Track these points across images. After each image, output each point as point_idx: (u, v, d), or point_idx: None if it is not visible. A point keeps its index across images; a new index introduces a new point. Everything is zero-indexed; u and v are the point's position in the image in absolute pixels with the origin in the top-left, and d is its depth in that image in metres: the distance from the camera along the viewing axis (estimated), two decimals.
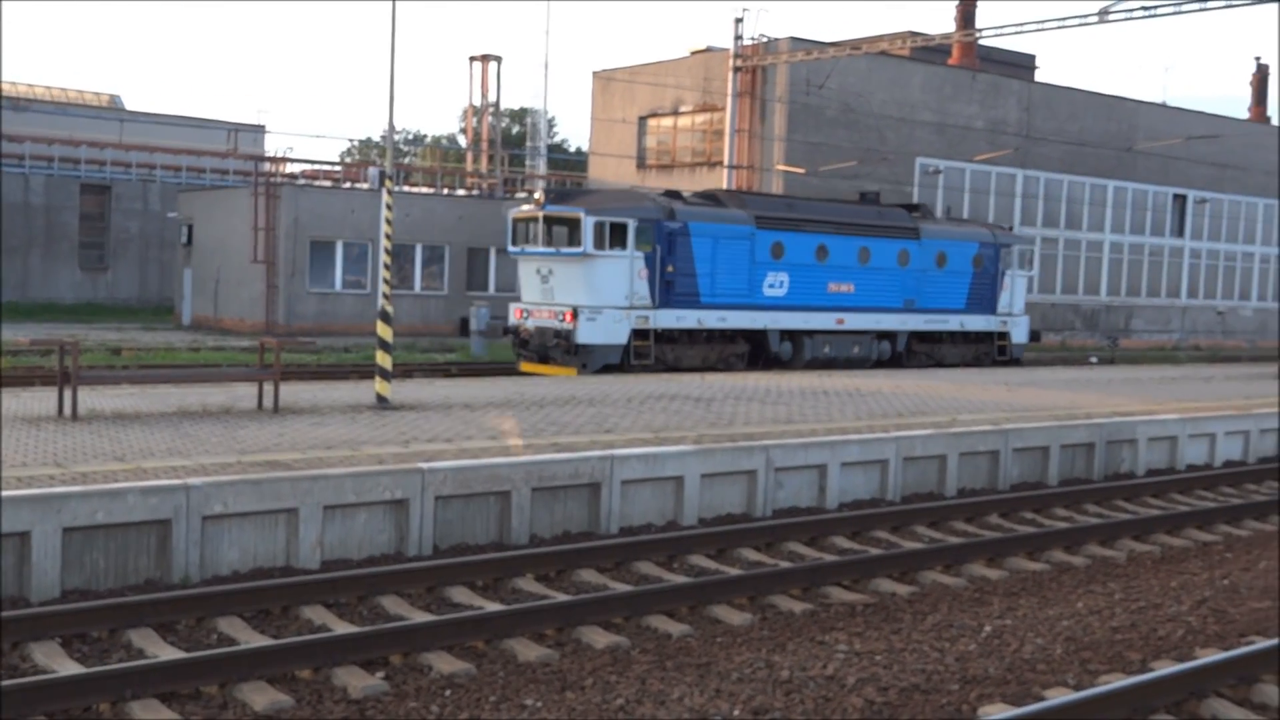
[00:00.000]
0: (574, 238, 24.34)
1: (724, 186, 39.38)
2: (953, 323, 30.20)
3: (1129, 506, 14.97)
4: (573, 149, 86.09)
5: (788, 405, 17.77)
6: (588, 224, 24.03)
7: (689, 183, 42.84)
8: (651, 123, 44.66)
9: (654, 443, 13.25)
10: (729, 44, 39.69)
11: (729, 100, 39.41)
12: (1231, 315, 53.82)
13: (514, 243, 25.63)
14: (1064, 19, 32.02)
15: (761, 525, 12.24)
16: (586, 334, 24.06)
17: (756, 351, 27.06)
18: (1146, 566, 11.91)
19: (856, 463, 14.16)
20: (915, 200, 41.23)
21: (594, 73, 47.00)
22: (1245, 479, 17.01)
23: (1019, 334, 31.73)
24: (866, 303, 28.47)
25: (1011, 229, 36.95)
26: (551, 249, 24.67)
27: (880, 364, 28.77)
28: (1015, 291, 31.46)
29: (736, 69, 39.22)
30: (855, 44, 40.52)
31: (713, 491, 12.99)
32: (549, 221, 24.74)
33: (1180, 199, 51.12)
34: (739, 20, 39.11)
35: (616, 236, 24.33)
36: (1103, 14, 31.00)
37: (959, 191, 43.30)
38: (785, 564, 11.16)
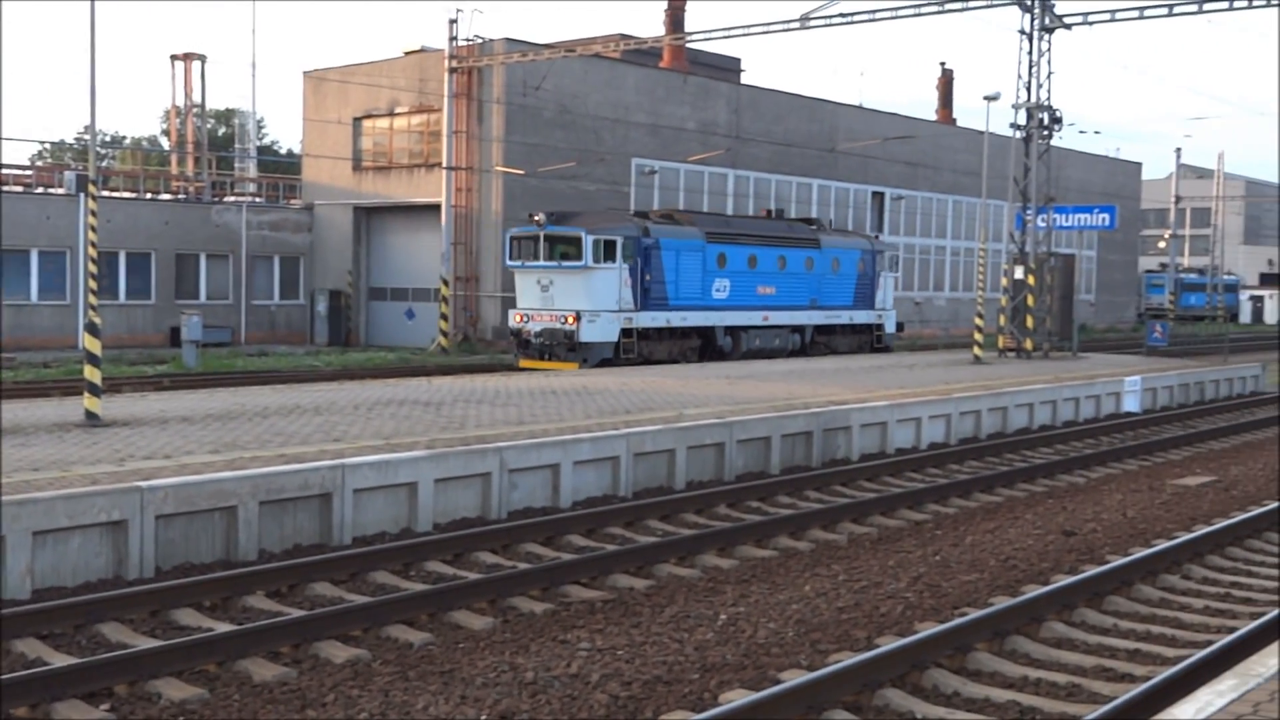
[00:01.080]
0: (574, 253, 28.06)
1: (444, 187, 39.09)
2: (844, 317, 35.09)
3: (847, 491, 15.65)
4: (284, 150, 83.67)
5: (518, 406, 17.78)
6: (588, 241, 27.86)
7: (407, 186, 42.33)
8: (367, 124, 43.87)
9: (385, 449, 13.03)
10: (444, 45, 39.39)
11: (445, 101, 39.13)
12: (927, 305, 57.00)
13: (512, 258, 29.22)
14: (768, 24, 33.18)
15: (498, 527, 12.21)
16: (588, 334, 27.90)
17: (706, 346, 31.03)
18: (866, 547, 12.48)
19: (589, 461, 14.30)
20: (632, 203, 42.05)
21: (305, 73, 45.82)
22: (949, 459, 18.05)
23: (890, 325, 36.72)
24: (784, 302, 33.09)
25: (879, 237, 41.95)
26: (553, 262, 28.24)
27: (793, 353, 33.13)
28: (886, 290, 36.60)
29: (452, 70, 38.96)
30: (569, 46, 40.86)
31: (447, 496, 12.86)
32: (550, 240, 28.33)
33: (879, 196, 53.78)
34: (453, 21, 38.87)
35: (609, 251, 28.19)
36: (803, 19, 32.29)
37: (674, 191, 44.32)
38: (524, 565, 11.16)
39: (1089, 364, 29.98)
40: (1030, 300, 31.77)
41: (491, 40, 39.72)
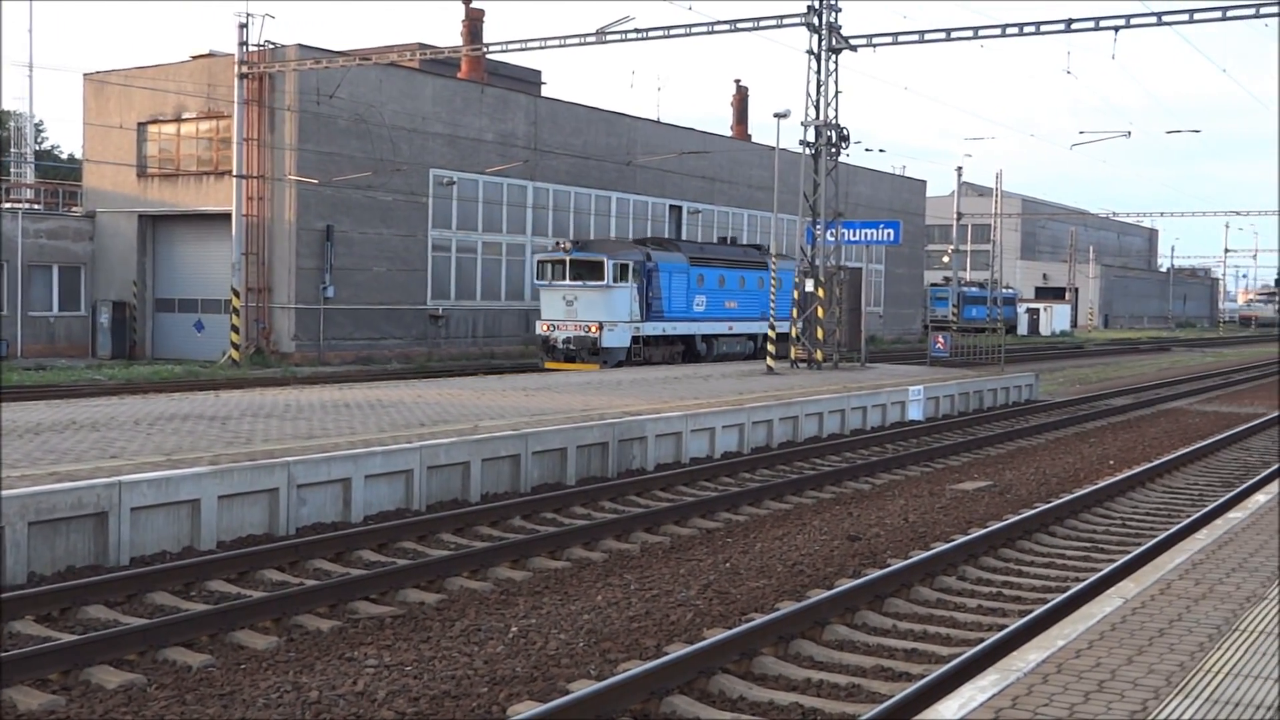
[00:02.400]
0: (596, 274, 34.03)
1: (234, 195, 37.98)
2: (785, 327, 37.91)
3: (641, 500, 15.79)
4: (65, 156, 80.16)
5: (309, 420, 17.39)
6: (609, 265, 33.98)
7: (196, 194, 41.01)
8: (152, 129, 42.32)
9: (166, 466, 12.56)
10: (234, 49, 38.30)
11: (235, 108, 38.04)
12: None
13: (539, 278, 35.57)
14: (565, 38, 33.30)
15: (285, 544, 11.90)
16: (608, 340, 34.01)
17: (688, 350, 37.26)
18: (658, 556, 12.60)
19: (381, 474, 14.08)
20: (430, 213, 41.66)
21: (85, 75, 43.96)
22: (741, 468, 18.40)
23: None
24: (743, 314, 39.53)
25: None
26: (579, 282, 34.19)
27: (748, 357, 39.03)
28: None
29: (242, 75, 37.90)
30: (365, 54, 40.21)
31: (232, 513, 12.48)
32: (575, 264, 34.40)
33: (676, 209, 54.49)
34: (243, 25, 37.81)
35: (623, 273, 34.33)
36: (599, 34, 32.53)
37: (473, 203, 44.07)
38: (311, 582, 10.90)
39: (876, 374, 30.96)
40: (820, 312, 32.63)
41: (284, 46, 38.82)
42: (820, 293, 32.59)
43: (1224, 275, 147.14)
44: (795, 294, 32.96)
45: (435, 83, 43.16)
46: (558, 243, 35.59)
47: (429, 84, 42.81)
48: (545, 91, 52.90)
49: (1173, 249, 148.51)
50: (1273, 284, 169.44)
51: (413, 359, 40.86)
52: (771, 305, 34.31)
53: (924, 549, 13.03)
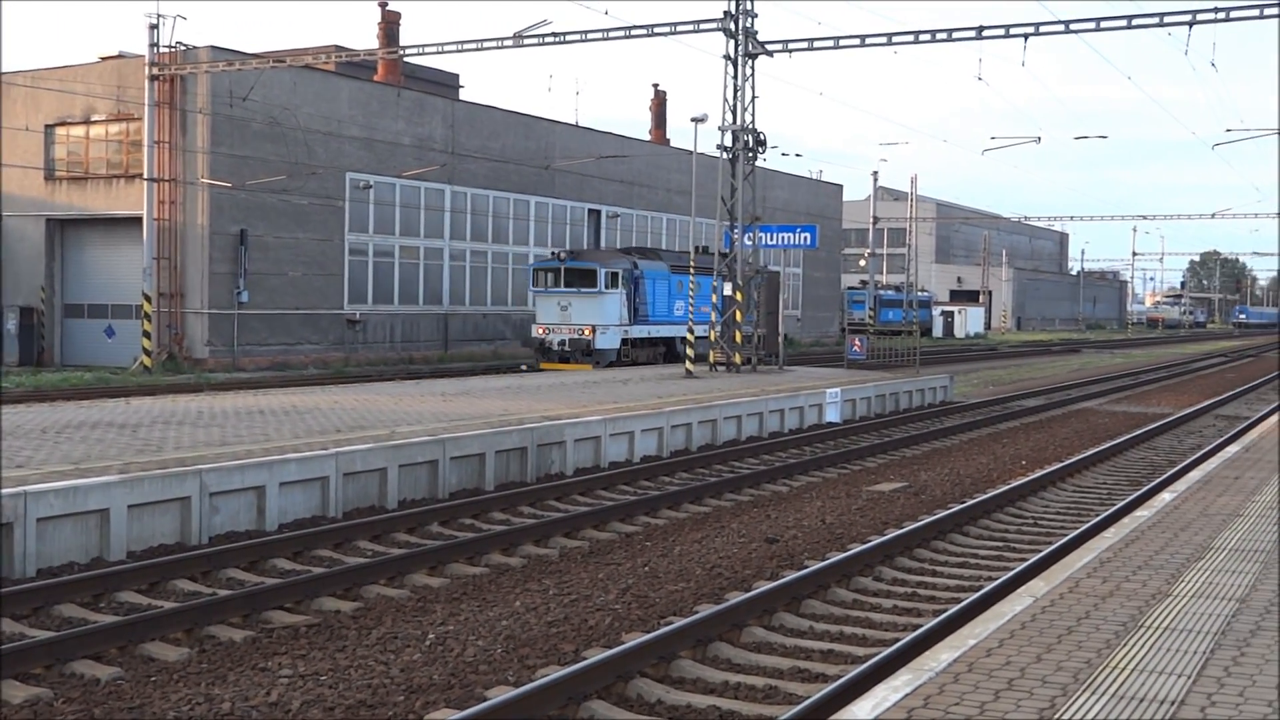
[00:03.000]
0: (590, 281, 36.86)
1: (145, 199, 37.32)
2: (703, 331, 42.86)
3: (560, 505, 15.76)
4: None
5: (221, 427, 17.14)
6: (602, 273, 36.90)
7: (106, 197, 40.25)
8: (60, 131, 41.46)
9: (74, 475, 12.31)
10: (144, 51, 37.64)
11: (146, 110, 37.38)
12: None
13: (535, 285, 38.37)
14: (482, 41, 33.17)
15: (198, 553, 11.72)
16: (601, 342, 36.58)
17: (668, 351, 40.02)
18: (577, 561, 12.59)
19: (296, 481, 13.91)
20: (346, 218, 41.34)
21: None
22: (660, 472, 18.44)
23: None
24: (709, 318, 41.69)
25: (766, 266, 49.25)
26: (573, 289, 37.05)
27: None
28: None
29: (153, 77, 37.26)
30: (279, 56, 39.74)
31: (142, 522, 12.26)
32: (570, 272, 37.26)
33: (595, 214, 54.52)
34: (154, 26, 37.19)
35: (614, 280, 37.13)
36: (516, 37, 32.44)
37: (390, 207, 43.73)
38: (224, 592, 10.75)
39: (794, 377, 31.19)
40: (739, 316, 32.80)
41: (195, 48, 38.24)
42: (738, 296, 32.77)
43: (1132, 278, 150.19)
44: (714, 297, 33.11)
45: (351, 85, 42.78)
46: (554, 253, 39.79)
47: (345, 87, 42.42)
48: (463, 95, 52.69)
49: (1083, 252, 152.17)
50: (1178, 286, 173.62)
51: (330, 364, 40.44)
52: (690, 309, 34.53)
53: (841, 550, 13.15)
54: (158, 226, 37.79)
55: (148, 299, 36.98)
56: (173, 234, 38.27)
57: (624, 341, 37.71)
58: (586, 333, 36.59)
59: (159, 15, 37.21)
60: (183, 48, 38.05)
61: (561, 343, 36.92)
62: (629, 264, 38.61)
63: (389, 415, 19.11)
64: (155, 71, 37.27)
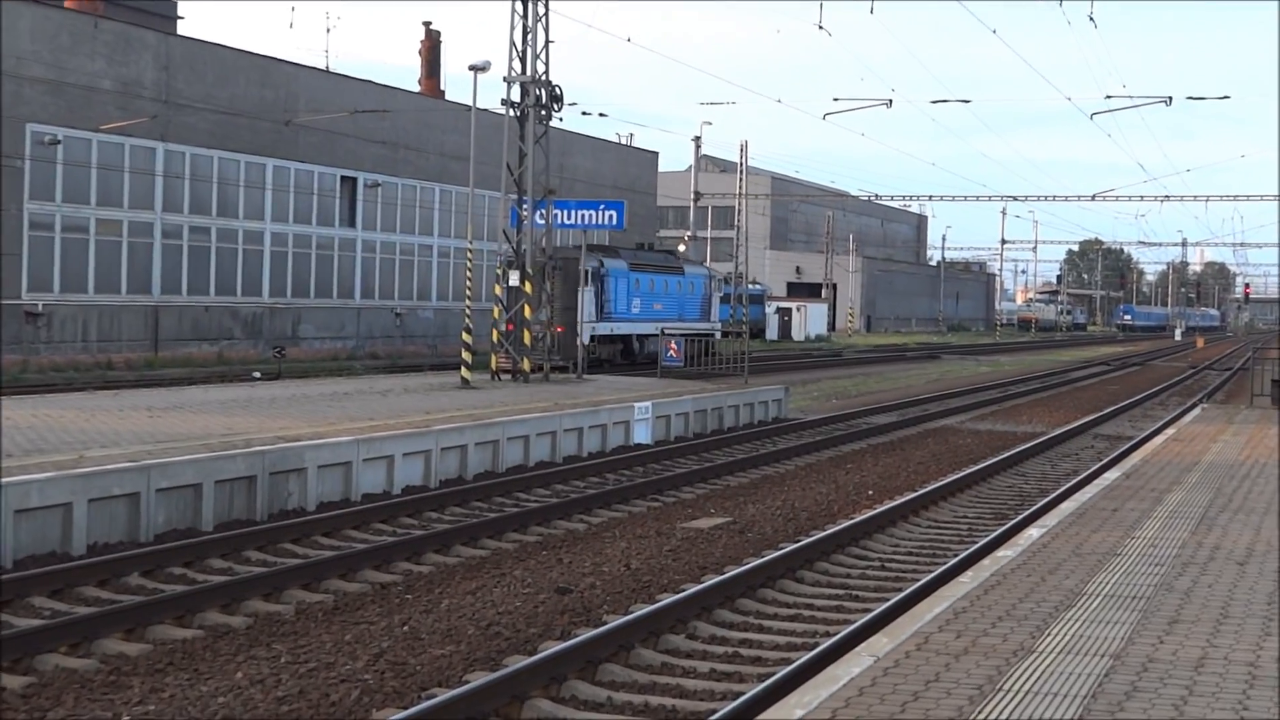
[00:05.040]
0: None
1: None
2: (697, 328, 51.68)
3: (298, 549, 15.52)
4: None
5: None
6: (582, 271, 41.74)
7: None
8: None
9: None
10: None
11: None
12: (411, 317, 57.71)
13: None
14: None
15: None
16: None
17: (625, 350, 48.54)
18: (318, 619, 12.40)
19: None
20: (26, 181, 40.02)
21: None
22: (427, 506, 18.31)
23: (718, 334, 55.66)
24: (667, 317, 50.58)
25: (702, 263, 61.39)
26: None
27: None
28: (717, 307, 58.69)
29: None
30: None
31: None
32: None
33: (350, 182, 53.93)
34: None
35: (586, 278, 42.43)
36: None
37: (84, 169, 42.46)
38: None
39: (596, 387, 31.40)
40: (528, 312, 32.83)
41: None
42: (527, 287, 32.80)
43: (1001, 270, 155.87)
44: (496, 289, 33.11)
45: (34, 12, 41.40)
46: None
47: (26, 14, 41.01)
48: (181, 29, 51.53)
49: (944, 238, 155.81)
50: (1054, 281, 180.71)
51: (4, 369, 39.01)
52: (467, 303, 34.43)
53: (648, 601, 13.26)
54: None
55: None
56: None
57: (592, 339, 44.21)
58: (558, 331, 41.69)
59: None
60: None
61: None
62: (596, 261, 46.20)
63: (78, 435, 18.53)
64: None
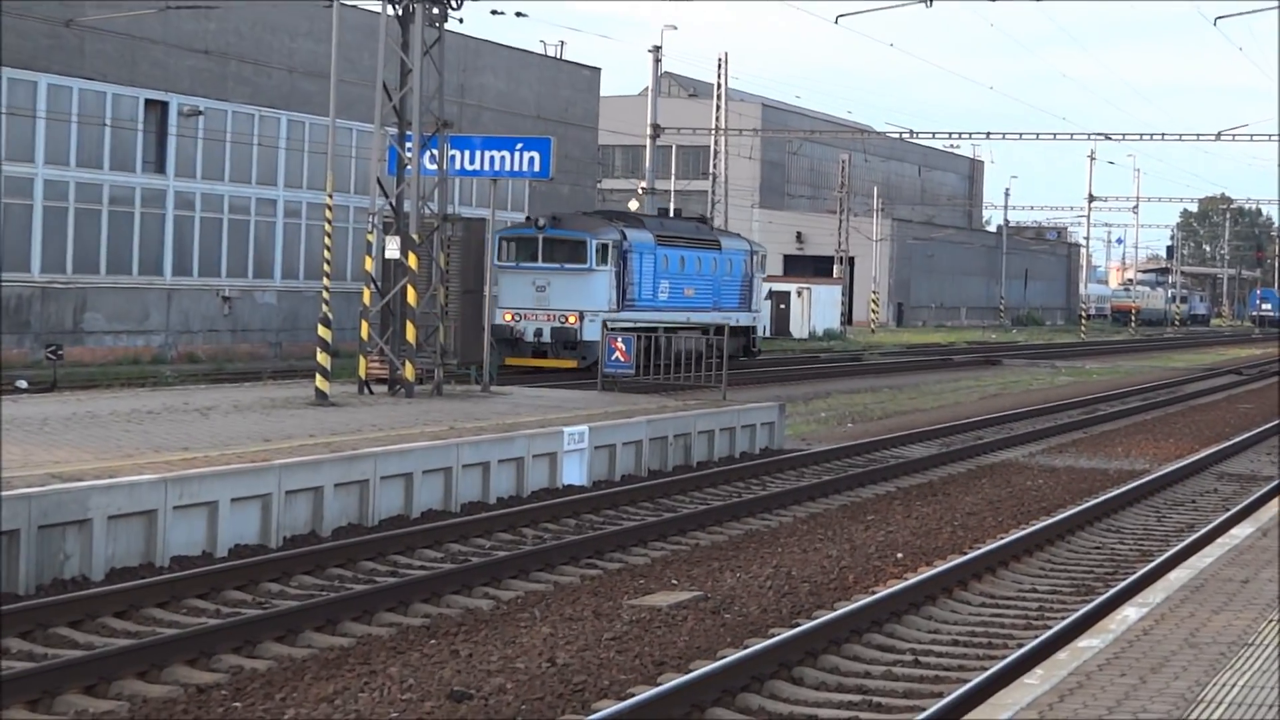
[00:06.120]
0: (577, 256, 49.41)
1: None
2: (734, 320, 55.77)
3: (77, 637, 15.40)
4: None
5: None
6: (592, 245, 48.78)
7: None
8: None
9: None
10: None
11: None
12: (244, 303, 57.29)
13: (500, 259, 47.00)
14: None
15: None
16: (589, 333, 46.25)
17: (649, 345, 48.30)
18: None
19: None
20: None
21: None
22: (265, 574, 18.22)
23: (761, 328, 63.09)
24: (699, 304, 56.22)
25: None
26: (555, 264, 49.27)
27: (700, 357, 49.65)
28: (760, 292, 63.43)
29: None
30: None
31: None
32: (550, 243, 49.51)
33: (158, 108, 53.56)
34: None
35: (604, 254, 48.35)
36: None
37: None
38: None
39: (509, 404, 31.36)
40: (413, 297, 32.59)
41: None
42: (412, 261, 32.53)
43: (1088, 239, 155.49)
44: (367, 262, 32.98)
45: None
46: (527, 218, 51.32)
47: None
48: None
49: (1007, 194, 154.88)
50: (1163, 254, 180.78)
51: None
52: (326, 283, 34.32)
53: (579, 713, 13.22)
54: None
55: None
56: None
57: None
58: (571, 320, 47.76)
59: None
60: None
61: (538, 332, 48.30)
62: (617, 233, 50.35)
63: None
64: None
